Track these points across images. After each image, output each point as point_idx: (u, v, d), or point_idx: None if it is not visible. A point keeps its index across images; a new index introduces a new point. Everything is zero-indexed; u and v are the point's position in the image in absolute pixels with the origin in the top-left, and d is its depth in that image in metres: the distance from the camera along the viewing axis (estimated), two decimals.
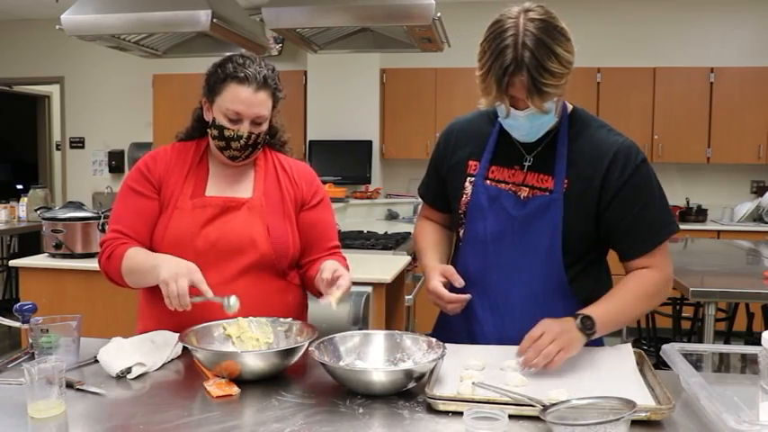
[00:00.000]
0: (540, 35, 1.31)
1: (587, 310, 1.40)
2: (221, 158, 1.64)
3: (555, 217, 1.46)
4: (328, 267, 1.52)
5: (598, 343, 1.55)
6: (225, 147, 1.59)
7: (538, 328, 1.35)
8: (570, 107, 1.54)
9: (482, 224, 1.53)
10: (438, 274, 1.52)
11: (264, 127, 1.61)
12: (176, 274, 1.40)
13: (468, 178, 1.56)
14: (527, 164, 1.51)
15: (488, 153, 1.55)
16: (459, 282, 1.50)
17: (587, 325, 1.37)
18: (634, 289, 1.47)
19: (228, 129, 1.56)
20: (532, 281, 1.49)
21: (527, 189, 1.50)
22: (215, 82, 1.58)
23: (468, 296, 1.50)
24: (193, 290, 1.41)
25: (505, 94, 1.36)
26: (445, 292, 1.49)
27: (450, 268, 1.53)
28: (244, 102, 1.55)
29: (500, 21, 1.36)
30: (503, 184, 1.52)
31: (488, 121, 1.58)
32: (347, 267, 1.66)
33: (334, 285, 1.48)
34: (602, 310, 1.41)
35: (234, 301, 1.45)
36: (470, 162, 1.57)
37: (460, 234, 1.60)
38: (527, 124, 1.42)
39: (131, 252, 1.56)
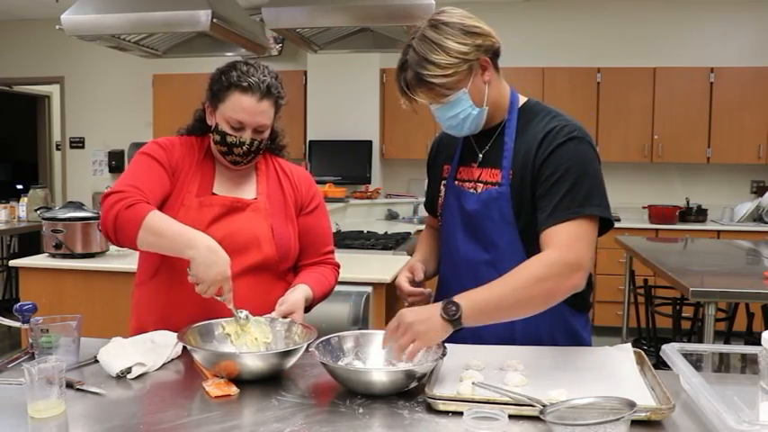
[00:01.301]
0: (427, 33, 1.40)
1: (459, 296, 1.31)
2: (223, 162, 1.64)
3: (505, 209, 1.48)
4: (285, 305, 1.54)
5: (584, 344, 1.54)
6: (227, 152, 1.60)
7: (394, 320, 1.31)
8: (523, 100, 1.55)
9: (451, 223, 1.59)
10: (406, 269, 1.61)
11: (266, 134, 1.63)
12: (213, 280, 1.40)
13: (443, 181, 1.63)
14: (479, 160, 1.55)
15: (457, 155, 1.62)
16: (418, 276, 1.58)
17: (450, 312, 1.28)
18: (519, 271, 1.35)
19: (231, 135, 1.57)
20: (500, 275, 1.41)
21: (481, 185, 1.53)
22: (219, 89, 1.57)
23: (427, 290, 1.57)
24: (219, 292, 1.43)
25: (405, 92, 1.45)
26: (406, 285, 1.57)
27: (418, 264, 1.61)
28: (247, 111, 1.55)
29: (413, 29, 1.46)
30: (466, 183, 1.57)
31: None
32: (330, 280, 1.73)
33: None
34: (476, 296, 1.31)
35: (245, 315, 1.48)
36: (445, 166, 1.65)
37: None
38: (441, 117, 1.49)
39: (159, 214, 1.47)
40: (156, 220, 1.45)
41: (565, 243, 1.36)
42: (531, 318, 1.39)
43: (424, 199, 1.80)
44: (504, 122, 1.52)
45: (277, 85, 1.61)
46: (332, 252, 1.79)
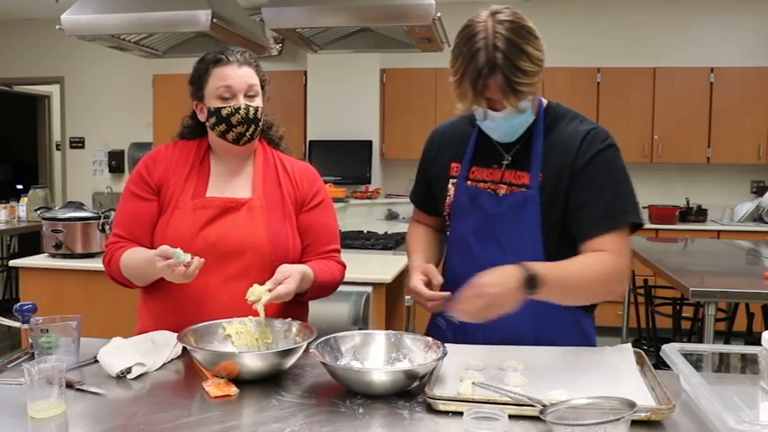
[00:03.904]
0: (509, 36, 1.33)
1: (539, 268, 1.32)
2: (226, 148, 1.64)
3: (532, 212, 1.47)
4: (279, 271, 1.50)
5: (591, 344, 1.55)
6: (226, 129, 1.60)
7: (470, 287, 1.29)
8: (545, 102, 1.55)
9: (464, 224, 1.55)
10: (419, 272, 1.51)
11: (259, 102, 1.63)
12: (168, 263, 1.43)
13: (451, 180, 1.59)
14: (506, 162, 1.53)
15: (468, 154, 1.57)
16: (437, 279, 1.49)
17: (531, 284, 1.29)
18: (591, 263, 1.40)
19: (225, 107, 1.58)
20: None
21: (505, 186, 1.51)
22: (199, 76, 1.62)
23: (447, 293, 1.46)
24: (185, 264, 1.43)
25: (481, 97, 1.37)
26: (424, 289, 1.47)
27: (431, 267, 1.52)
28: (231, 76, 1.58)
29: (469, 25, 1.37)
30: (482, 184, 1.54)
31: (469, 123, 1.60)
32: (335, 272, 1.68)
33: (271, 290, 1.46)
34: (553, 270, 1.34)
35: (179, 251, 1.44)
36: (452, 164, 1.60)
37: (448, 235, 1.62)
38: (505, 125, 1.44)
39: (127, 254, 1.60)
40: (126, 262, 1.60)
41: (617, 251, 1.42)
42: (544, 318, 1.40)
43: None
44: (532, 125, 1.50)
45: (254, 58, 1.64)
46: (337, 251, 1.74)
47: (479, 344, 1.48)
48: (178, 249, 1.43)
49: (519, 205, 1.48)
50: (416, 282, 1.49)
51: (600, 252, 1.42)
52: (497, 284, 1.28)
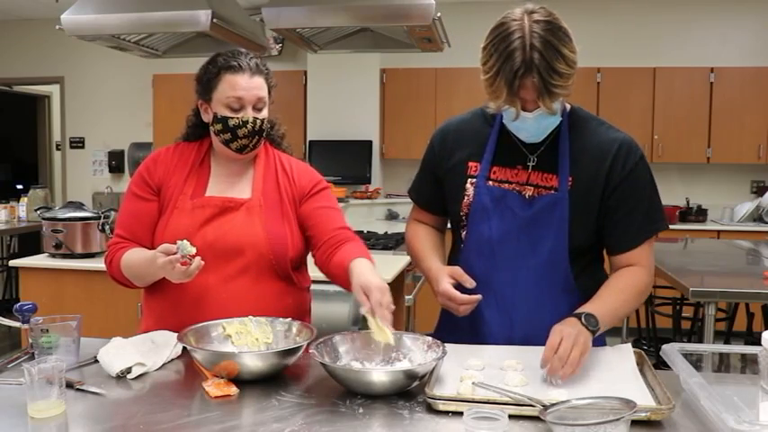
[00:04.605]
0: (546, 36, 1.31)
1: (587, 308, 1.40)
2: (227, 154, 1.64)
3: (562, 215, 1.47)
4: (357, 289, 1.40)
5: (599, 343, 1.56)
6: (231, 138, 1.59)
7: (555, 336, 1.31)
8: (568, 106, 1.54)
9: (486, 225, 1.53)
10: (446, 275, 1.48)
11: (265, 113, 1.62)
12: (168, 260, 1.42)
13: (470, 179, 1.55)
14: (531, 163, 1.51)
15: (489, 154, 1.54)
16: (470, 282, 1.46)
17: (592, 323, 1.36)
18: (629, 287, 1.49)
19: (232, 117, 1.57)
20: (539, 280, 1.50)
21: (531, 188, 1.50)
22: (209, 79, 1.59)
23: (479, 297, 1.45)
24: (184, 262, 1.42)
25: (516, 96, 1.36)
26: (457, 293, 1.44)
27: (459, 269, 1.49)
28: (243, 87, 1.57)
29: (504, 23, 1.35)
30: (506, 185, 1.52)
31: (485, 121, 1.57)
32: (367, 254, 1.54)
33: (380, 315, 1.34)
34: (601, 308, 1.41)
35: (184, 243, 1.43)
36: (470, 163, 1.56)
37: (462, 236, 1.58)
38: (535, 125, 1.43)
39: (127, 254, 1.60)
40: (126, 262, 1.60)
41: (649, 263, 1.52)
42: (561, 318, 1.40)
43: None
44: (558, 127, 1.49)
45: (264, 64, 1.63)
46: (347, 228, 1.65)
47: (496, 343, 1.48)
48: (185, 241, 1.42)
49: (548, 208, 1.48)
50: (447, 286, 1.46)
51: (633, 269, 1.50)
52: (580, 333, 1.33)
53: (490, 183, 1.53)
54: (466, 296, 1.44)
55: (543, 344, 1.44)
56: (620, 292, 1.47)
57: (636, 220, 1.49)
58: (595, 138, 1.50)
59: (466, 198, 1.55)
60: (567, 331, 1.32)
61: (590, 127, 1.52)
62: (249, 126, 1.58)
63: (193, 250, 1.42)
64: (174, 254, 1.41)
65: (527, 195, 1.50)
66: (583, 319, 1.36)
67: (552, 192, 1.48)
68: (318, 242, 1.63)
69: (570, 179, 1.47)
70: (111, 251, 1.65)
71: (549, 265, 1.49)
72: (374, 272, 1.45)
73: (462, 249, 1.58)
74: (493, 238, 1.52)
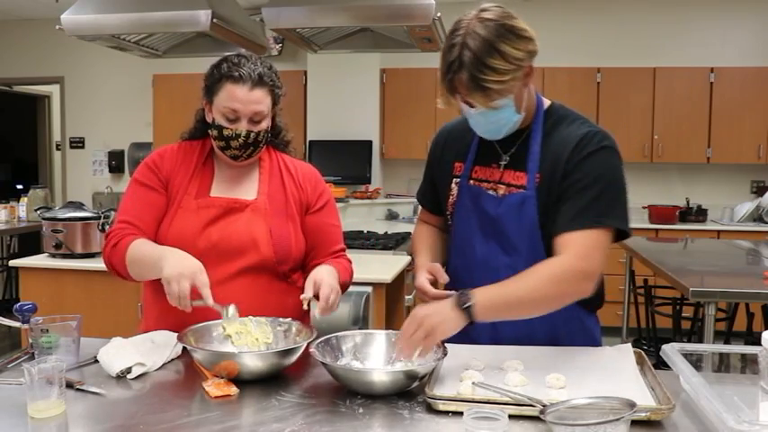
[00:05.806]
0: (485, 34, 1.33)
1: (472, 290, 1.34)
2: (224, 159, 1.64)
3: (530, 213, 1.46)
4: (309, 280, 1.53)
5: (598, 343, 1.56)
6: (225, 146, 1.60)
7: (408, 319, 1.33)
8: (547, 103, 1.54)
9: (466, 223, 1.56)
10: (425, 271, 1.52)
11: (264, 125, 1.61)
12: (180, 274, 1.39)
13: (454, 179, 1.59)
14: (503, 162, 1.53)
15: (471, 154, 1.57)
16: (443, 278, 1.51)
17: (463, 301, 1.31)
18: (534, 272, 1.38)
19: (227, 128, 1.57)
20: None
21: (503, 187, 1.51)
22: (212, 83, 1.59)
23: (451, 292, 1.43)
24: (195, 291, 1.40)
25: (452, 93, 1.38)
26: (430, 288, 1.48)
27: (437, 266, 1.53)
28: (240, 100, 1.55)
29: (456, 23, 1.38)
30: (484, 184, 1.54)
31: None
32: (350, 271, 1.69)
33: (320, 308, 1.49)
34: (489, 291, 1.35)
35: (233, 312, 1.45)
36: (456, 164, 1.60)
37: (450, 234, 1.62)
38: (482, 121, 1.44)
39: (137, 242, 1.55)
40: (135, 251, 1.53)
41: (581, 251, 1.39)
42: (548, 318, 1.40)
43: None
44: (530, 125, 1.50)
45: (271, 74, 1.61)
46: (343, 250, 1.75)
47: (484, 344, 1.48)
48: (231, 306, 1.44)
49: (517, 206, 1.48)
50: (422, 280, 1.50)
51: (554, 258, 1.40)
52: (434, 314, 1.31)
53: (471, 182, 1.56)
54: (437, 291, 1.48)
55: (531, 343, 1.47)
56: (525, 275, 1.38)
57: (576, 205, 1.41)
58: (564, 133, 1.48)
59: (451, 198, 1.59)
60: (417, 312, 1.32)
61: (563, 124, 1.50)
62: (242, 139, 1.58)
63: (228, 314, 1.44)
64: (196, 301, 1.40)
65: (499, 194, 1.51)
66: (455, 296, 1.33)
67: (521, 190, 1.48)
68: (313, 259, 1.70)
69: (538, 176, 1.47)
70: (116, 234, 1.57)
71: (527, 264, 1.43)
72: (333, 275, 1.56)
73: (450, 248, 1.62)
74: (472, 237, 1.54)
